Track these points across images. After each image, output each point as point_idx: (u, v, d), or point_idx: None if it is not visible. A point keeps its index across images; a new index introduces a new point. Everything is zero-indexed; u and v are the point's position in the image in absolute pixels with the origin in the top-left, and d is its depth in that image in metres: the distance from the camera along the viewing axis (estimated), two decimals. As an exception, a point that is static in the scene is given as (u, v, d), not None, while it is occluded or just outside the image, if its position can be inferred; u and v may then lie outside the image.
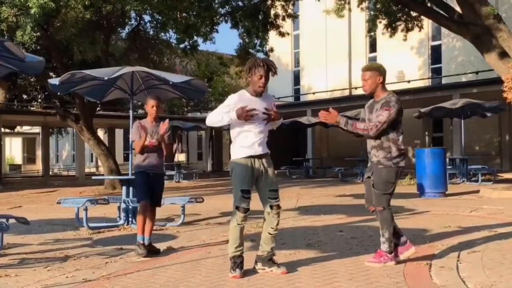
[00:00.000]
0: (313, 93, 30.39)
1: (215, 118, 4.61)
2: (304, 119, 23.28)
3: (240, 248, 4.55)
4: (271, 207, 4.57)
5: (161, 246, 5.83)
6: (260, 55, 19.77)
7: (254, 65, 4.54)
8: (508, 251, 5.25)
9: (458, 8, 13.97)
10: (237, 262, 4.53)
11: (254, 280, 4.38)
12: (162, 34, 20.01)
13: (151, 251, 5.71)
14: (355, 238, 6.30)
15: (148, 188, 5.91)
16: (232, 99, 4.61)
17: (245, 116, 4.45)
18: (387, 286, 4.08)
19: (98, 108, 22.01)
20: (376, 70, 4.91)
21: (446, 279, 4.22)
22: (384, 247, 4.79)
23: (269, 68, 4.55)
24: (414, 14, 17.56)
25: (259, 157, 4.60)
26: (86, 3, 13.97)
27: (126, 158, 37.54)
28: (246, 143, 4.57)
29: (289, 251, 5.27)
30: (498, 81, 14.18)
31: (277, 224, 4.60)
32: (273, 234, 4.60)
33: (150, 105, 6.12)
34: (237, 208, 4.50)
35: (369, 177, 4.93)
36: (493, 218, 7.99)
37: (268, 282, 4.31)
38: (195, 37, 17.54)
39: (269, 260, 4.63)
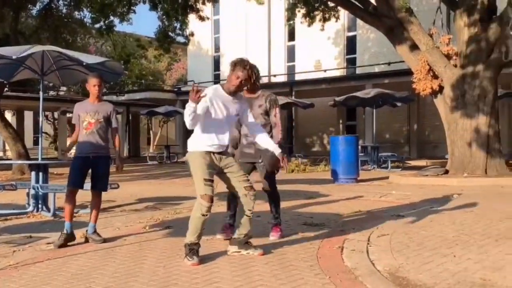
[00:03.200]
0: (233, 79, 30.42)
1: (187, 113, 4.34)
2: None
3: (199, 237, 4.52)
4: (247, 188, 4.58)
5: (74, 233, 5.60)
6: (180, 39, 19.46)
7: (238, 64, 4.49)
8: (415, 234, 5.56)
9: (373, 0, 14.45)
10: (194, 249, 4.47)
11: (169, 268, 4.34)
12: (76, 12, 19.19)
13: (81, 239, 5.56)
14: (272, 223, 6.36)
15: (79, 174, 5.56)
16: (207, 91, 4.44)
17: (195, 98, 4.24)
18: (302, 269, 4.19)
19: (6, 89, 20.78)
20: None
21: (357, 262, 4.40)
22: (278, 221, 5.57)
23: (251, 72, 4.50)
24: (331, 4, 18.00)
25: (219, 153, 4.60)
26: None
27: (36, 142, 35.81)
28: (206, 138, 4.51)
29: (206, 237, 5.25)
30: (409, 72, 14.88)
31: (253, 207, 4.63)
32: (250, 216, 4.62)
33: (92, 84, 5.64)
34: (201, 197, 4.41)
35: (254, 163, 5.41)
36: (401, 203, 8.41)
37: (185, 269, 4.29)
38: (111, 17, 16.93)
39: (246, 243, 4.68)
